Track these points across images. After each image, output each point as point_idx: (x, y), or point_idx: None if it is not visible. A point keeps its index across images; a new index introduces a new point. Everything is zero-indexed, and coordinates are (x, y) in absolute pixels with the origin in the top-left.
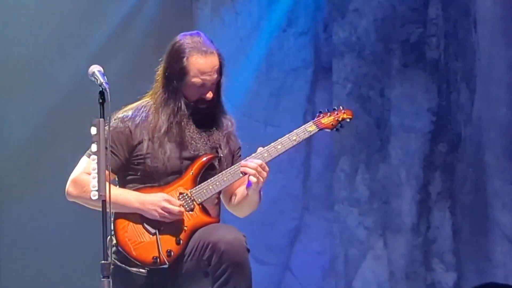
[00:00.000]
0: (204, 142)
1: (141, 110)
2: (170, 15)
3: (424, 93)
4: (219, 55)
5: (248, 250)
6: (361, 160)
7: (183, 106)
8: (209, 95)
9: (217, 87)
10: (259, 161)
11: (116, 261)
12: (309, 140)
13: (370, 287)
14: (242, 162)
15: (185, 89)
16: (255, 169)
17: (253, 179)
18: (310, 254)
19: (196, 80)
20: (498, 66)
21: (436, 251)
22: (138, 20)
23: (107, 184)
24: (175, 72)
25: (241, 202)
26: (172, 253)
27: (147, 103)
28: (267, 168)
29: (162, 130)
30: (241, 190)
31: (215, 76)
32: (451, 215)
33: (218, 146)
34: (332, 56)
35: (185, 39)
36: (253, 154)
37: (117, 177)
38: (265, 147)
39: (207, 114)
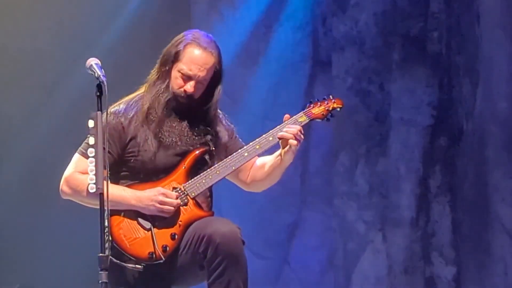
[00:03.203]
0: (195, 138)
1: (133, 104)
2: (167, 9)
3: (424, 87)
4: (218, 61)
5: (243, 242)
6: (360, 154)
7: (169, 89)
8: (190, 88)
9: (209, 90)
10: (298, 127)
11: (110, 256)
12: (307, 135)
13: (369, 281)
14: (279, 133)
15: (172, 74)
16: (295, 134)
17: (293, 142)
18: (309, 249)
19: (184, 68)
20: (498, 60)
21: (435, 245)
22: (135, 13)
23: (105, 182)
24: (170, 55)
25: (272, 172)
26: (167, 248)
27: (142, 95)
28: (302, 131)
29: (145, 108)
30: (268, 162)
31: (204, 73)
32: (451, 209)
33: (209, 140)
34: (332, 50)
35: (194, 32)
36: (245, 147)
37: (110, 173)
38: (257, 139)
39: (189, 111)
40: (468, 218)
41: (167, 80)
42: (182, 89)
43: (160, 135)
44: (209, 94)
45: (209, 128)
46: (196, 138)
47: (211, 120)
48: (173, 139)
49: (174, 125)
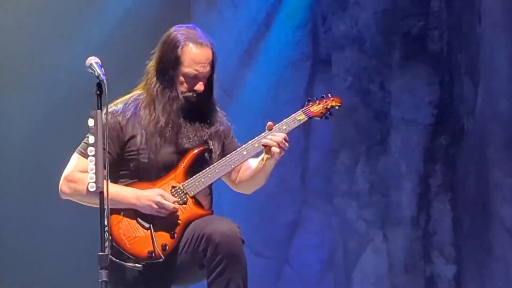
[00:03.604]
0: (195, 136)
1: (131, 104)
2: (167, 8)
3: (425, 86)
4: (213, 50)
5: (243, 241)
6: (361, 153)
7: (179, 95)
8: (200, 86)
9: (208, 82)
10: (282, 135)
11: (110, 256)
12: (307, 134)
13: (369, 280)
14: (263, 140)
15: (177, 79)
16: (279, 142)
17: (275, 150)
18: (309, 248)
19: (189, 70)
20: (500, 59)
21: (436, 244)
22: (135, 12)
23: (105, 181)
24: (170, 62)
25: (255, 175)
26: (167, 247)
27: (138, 96)
28: (287, 138)
29: (161, 122)
30: (252, 165)
31: (208, 68)
32: (452, 208)
33: (208, 138)
34: (332, 49)
35: (181, 30)
36: (243, 146)
37: (109, 173)
38: (256, 137)
39: (197, 109)
40: (468, 217)
41: (174, 87)
42: (192, 91)
43: (179, 141)
44: (208, 83)
45: (209, 127)
46: (196, 136)
47: (213, 108)
48: (190, 139)
49: (189, 127)
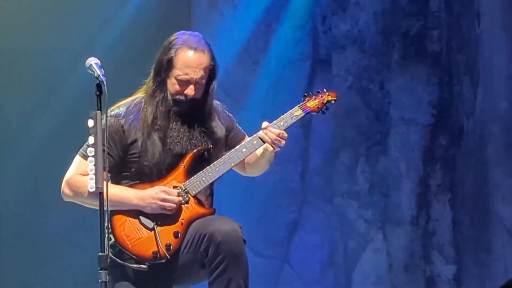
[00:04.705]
0: (188, 144)
1: (133, 107)
2: (167, 8)
3: (424, 86)
4: (211, 58)
5: (244, 241)
6: (361, 153)
7: (168, 97)
8: (191, 91)
9: (205, 90)
10: (277, 131)
11: (113, 256)
12: (307, 134)
13: (369, 279)
14: (260, 133)
15: (169, 82)
16: (273, 140)
17: (269, 147)
18: (309, 247)
19: (179, 73)
20: (499, 59)
21: (435, 244)
22: (135, 12)
23: (105, 182)
24: (163, 64)
25: (258, 161)
26: (171, 247)
27: (141, 98)
28: (285, 135)
29: (149, 120)
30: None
31: (201, 74)
32: (451, 208)
33: (207, 139)
34: (331, 49)
35: (181, 35)
36: (243, 143)
37: (111, 174)
38: (254, 135)
39: (190, 114)
40: (468, 217)
41: (165, 89)
42: (182, 94)
43: (169, 143)
44: (205, 90)
45: (207, 126)
46: (198, 137)
47: (208, 117)
48: (182, 144)
49: (180, 130)
